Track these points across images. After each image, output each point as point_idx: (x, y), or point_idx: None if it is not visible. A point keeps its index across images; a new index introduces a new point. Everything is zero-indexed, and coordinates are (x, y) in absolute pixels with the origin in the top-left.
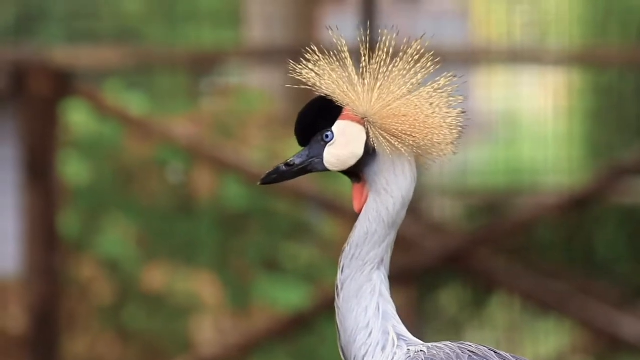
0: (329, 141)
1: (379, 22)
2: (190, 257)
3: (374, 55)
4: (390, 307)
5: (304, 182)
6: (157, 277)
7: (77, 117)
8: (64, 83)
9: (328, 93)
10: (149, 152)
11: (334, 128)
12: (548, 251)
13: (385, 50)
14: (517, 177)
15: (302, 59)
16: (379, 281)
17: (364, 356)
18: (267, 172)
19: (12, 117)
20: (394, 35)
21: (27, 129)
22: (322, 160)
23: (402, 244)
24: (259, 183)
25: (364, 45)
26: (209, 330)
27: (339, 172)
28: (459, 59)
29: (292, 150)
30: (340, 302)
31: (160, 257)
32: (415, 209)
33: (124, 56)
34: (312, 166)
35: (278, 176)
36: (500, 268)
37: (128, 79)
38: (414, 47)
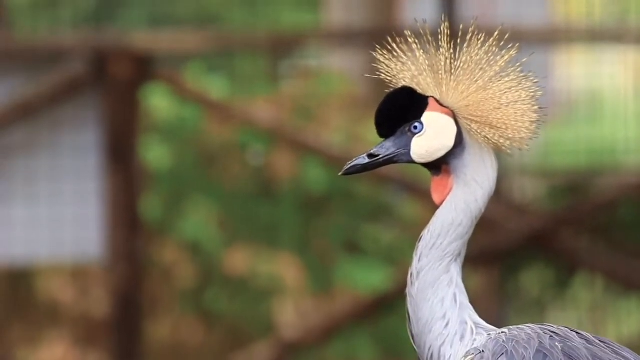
0: (418, 132)
1: (459, 3)
2: (271, 240)
3: (456, 41)
4: (465, 298)
5: None
6: (239, 260)
7: (158, 102)
8: (144, 68)
9: (412, 83)
10: (230, 136)
11: (422, 119)
12: (631, 231)
13: (468, 36)
14: (598, 156)
15: (385, 48)
16: (456, 273)
17: (440, 346)
18: (349, 163)
19: (94, 103)
20: (475, 20)
21: (108, 114)
22: (409, 152)
23: (484, 225)
24: (340, 174)
25: (446, 31)
26: (291, 313)
27: (421, 164)
28: (539, 39)
29: (372, 133)
30: (415, 291)
31: (241, 240)
32: (497, 189)
33: (204, 40)
34: (398, 157)
35: (361, 167)
36: (583, 248)
37: (208, 62)
38: (496, 32)
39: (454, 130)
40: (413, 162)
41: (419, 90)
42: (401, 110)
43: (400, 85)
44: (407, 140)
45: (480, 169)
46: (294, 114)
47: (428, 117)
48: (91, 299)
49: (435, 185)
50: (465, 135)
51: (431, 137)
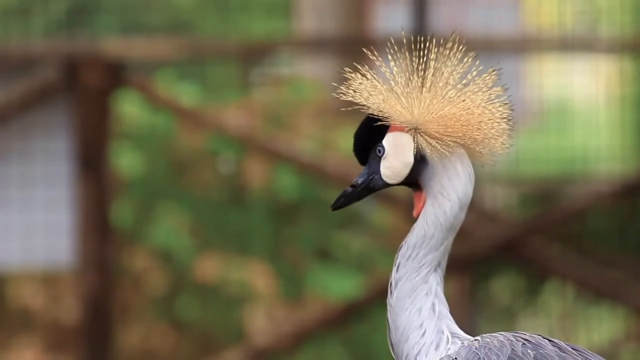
0: (382, 155)
1: (430, 12)
2: (243, 247)
3: (427, 52)
4: (444, 308)
5: (355, 170)
6: (210, 268)
7: (129, 109)
8: (116, 74)
9: (375, 112)
10: (201, 143)
11: (384, 141)
12: (601, 239)
13: (439, 48)
14: (569, 165)
15: (354, 67)
16: (435, 283)
17: (416, 355)
18: (337, 197)
19: (65, 110)
20: (449, 32)
21: (79, 121)
22: (381, 175)
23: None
24: (330, 210)
25: (417, 44)
26: (262, 320)
27: (400, 184)
28: (511, 48)
29: (343, 141)
30: (393, 300)
31: (213, 247)
32: None
33: (176, 47)
34: (374, 182)
35: (345, 199)
36: (554, 256)
37: (180, 70)
38: (466, 42)
39: (411, 146)
40: (388, 185)
41: (383, 114)
42: (366, 136)
43: (367, 115)
44: (377, 165)
45: (445, 182)
46: (266, 122)
47: (388, 138)
48: (62, 306)
49: (416, 201)
50: (428, 149)
51: (393, 156)
